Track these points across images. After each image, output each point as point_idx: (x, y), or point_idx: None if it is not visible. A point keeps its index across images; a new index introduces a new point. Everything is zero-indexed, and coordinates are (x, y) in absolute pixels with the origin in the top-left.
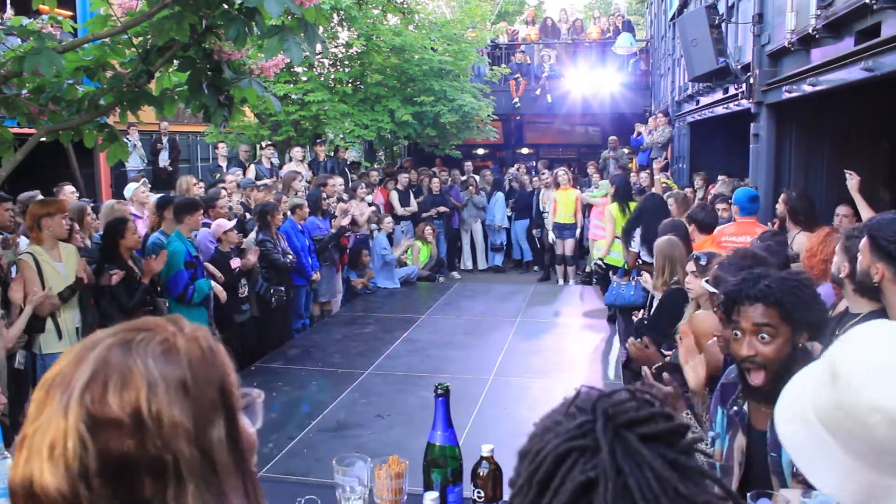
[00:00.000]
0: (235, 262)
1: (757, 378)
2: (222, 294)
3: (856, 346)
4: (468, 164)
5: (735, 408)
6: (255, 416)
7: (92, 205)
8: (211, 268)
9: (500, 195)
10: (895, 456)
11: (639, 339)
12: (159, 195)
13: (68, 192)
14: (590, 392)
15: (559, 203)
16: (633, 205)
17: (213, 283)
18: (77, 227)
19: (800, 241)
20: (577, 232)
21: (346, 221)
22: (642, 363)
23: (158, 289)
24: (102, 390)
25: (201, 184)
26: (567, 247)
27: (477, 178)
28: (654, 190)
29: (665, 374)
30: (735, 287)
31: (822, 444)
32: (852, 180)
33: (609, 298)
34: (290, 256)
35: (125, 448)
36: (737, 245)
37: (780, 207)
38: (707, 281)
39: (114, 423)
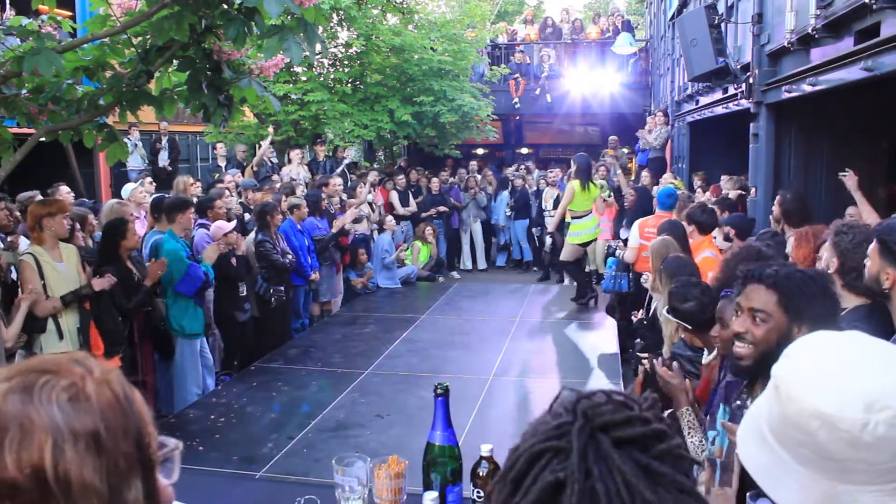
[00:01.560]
0: (235, 262)
1: (741, 349)
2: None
3: (794, 358)
4: (473, 164)
5: (738, 402)
6: (171, 471)
7: (92, 204)
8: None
9: (504, 194)
10: (839, 461)
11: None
12: (154, 196)
13: (64, 193)
14: (571, 392)
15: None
16: (591, 185)
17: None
18: (78, 226)
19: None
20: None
21: (346, 220)
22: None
23: (156, 290)
24: None
25: (198, 184)
26: None
27: (478, 177)
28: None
29: (675, 364)
30: (748, 269)
31: (778, 459)
32: (850, 180)
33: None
34: (290, 256)
35: None
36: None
37: (776, 210)
38: (667, 310)
39: (10, 487)
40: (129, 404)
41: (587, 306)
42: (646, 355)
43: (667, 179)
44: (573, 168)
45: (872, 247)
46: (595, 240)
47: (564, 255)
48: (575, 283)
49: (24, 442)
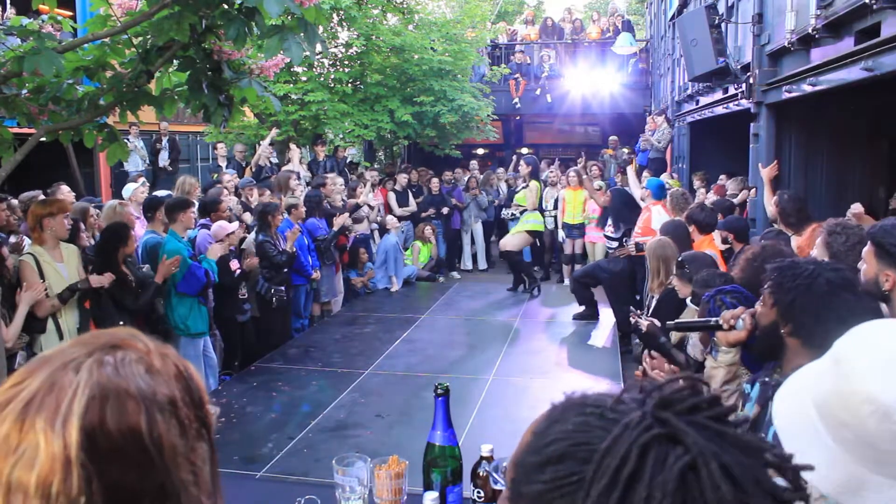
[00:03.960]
0: (235, 264)
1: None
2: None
3: (863, 338)
4: (473, 163)
5: (767, 378)
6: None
7: (95, 204)
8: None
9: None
10: (880, 452)
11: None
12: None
13: (65, 192)
14: (636, 390)
15: (567, 203)
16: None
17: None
18: (82, 226)
19: (792, 244)
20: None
21: (343, 220)
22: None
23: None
24: (101, 415)
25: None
26: (576, 246)
27: (479, 177)
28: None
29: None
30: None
31: (812, 431)
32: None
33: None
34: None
35: (130, 480)
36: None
37: (772, 210)
38: (690, 299)
39: (116, 451)
40: (188, 374)
41: (516, 291)
42: (647, 321)
43: (665, 180)
44: (527, 169)
45: (867, 249)
46: (540, 232)
47: (511, 245)
48: (536, 277)
49: (122, 410)
